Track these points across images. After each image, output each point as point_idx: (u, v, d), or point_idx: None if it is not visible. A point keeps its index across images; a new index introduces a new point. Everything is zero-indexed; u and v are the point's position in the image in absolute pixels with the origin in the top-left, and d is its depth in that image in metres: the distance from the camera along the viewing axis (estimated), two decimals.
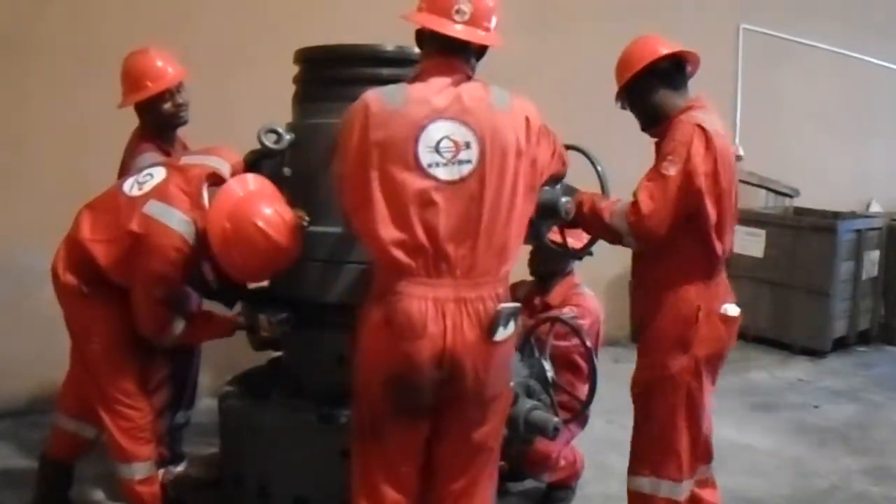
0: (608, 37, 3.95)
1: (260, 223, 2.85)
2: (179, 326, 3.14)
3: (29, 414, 4.71)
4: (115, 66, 3.63)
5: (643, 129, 3.16)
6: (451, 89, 2.45)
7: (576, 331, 3.08)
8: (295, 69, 3.43)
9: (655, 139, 3.06)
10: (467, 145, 2.40)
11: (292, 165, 3.15)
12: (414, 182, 2.37)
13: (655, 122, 3.06)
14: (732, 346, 3.16)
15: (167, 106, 3.65)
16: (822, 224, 7.03)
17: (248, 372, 3.59)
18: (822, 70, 8.64)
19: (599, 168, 3.05)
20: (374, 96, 2.45)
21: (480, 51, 2.59)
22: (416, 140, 2.38)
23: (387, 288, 2.41)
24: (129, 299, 3.06)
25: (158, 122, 3.71)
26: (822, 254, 6.94)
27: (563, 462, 3.74)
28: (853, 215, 7.55)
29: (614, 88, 3.08)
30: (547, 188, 2.80)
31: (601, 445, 4.31)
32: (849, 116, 9.05)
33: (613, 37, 3.37)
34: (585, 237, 3.23)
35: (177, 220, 2.97)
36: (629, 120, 3.13)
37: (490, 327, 2.40)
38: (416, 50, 3.09)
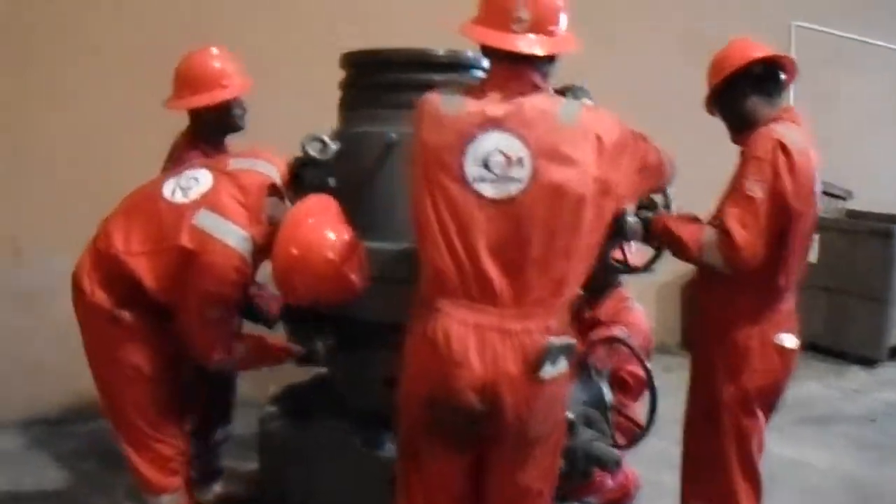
0: (656, 36, 3.79)
1: (330, 254, 2.61)
2: (238, 352, 2.92)
3: (63, 423, 4.63)
4: (125, 67, 3.50)
5: (733, 138, 2.99)
6: (511, 100, 2.24)
7: (636, 354, 2.91)
8: (333, 73, 3.29)
9: (742, 148, 2.88)
10: (519, 162, 2.18)
11: (339, 176, 2.97)
12: (457, 195, 2.19)
13: (744, 130, 2.88)
14: (789, 378, 2.97)
15: (238, 110, 3.51)
16: (878, 228, 6.78)
17: (289, 389, 3.45)
18: (876, 67, 8.42)
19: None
20: (432, 98, 2.30)
21: (552, 56, 2.35)
22: (464, 151, 2.19)
23: (429, 302, 2.25)
24: (166, 322, 2.83)
25: (218, 127, 3.55)
26: (879, 259, 6.69)
27: (610, 483, 3.57)
28: None
29: (660, 90, 2.93)
30: None
31: (653, 463, 4.11)
32: None
33: (661, 36, 3.21)
34: (646, 253, 3.05)
35: (235, 237, 2.73)
36: (672, 122, 2.95)
37: (535, 363, 2.17)
38: (469, 54, 2.98)
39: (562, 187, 2.16)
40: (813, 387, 6.17)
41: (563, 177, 2.16)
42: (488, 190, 2.17)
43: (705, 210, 2.89)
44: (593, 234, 2.27)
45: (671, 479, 3.52)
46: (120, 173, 3.34)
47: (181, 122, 3.59)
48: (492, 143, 2.19)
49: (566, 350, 2.23)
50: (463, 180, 2.18)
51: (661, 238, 2.83)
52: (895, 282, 6.74)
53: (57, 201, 4.55)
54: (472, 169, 2.18)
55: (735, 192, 2.71)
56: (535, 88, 2.29)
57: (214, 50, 3.51)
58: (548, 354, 2.17)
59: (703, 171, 3.51)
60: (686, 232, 2.75)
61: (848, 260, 6.81)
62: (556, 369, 2.21)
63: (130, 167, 3.35)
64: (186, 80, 3.44)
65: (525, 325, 2.18)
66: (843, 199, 7.77)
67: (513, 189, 2.17)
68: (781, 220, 2.70)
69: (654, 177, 2.52)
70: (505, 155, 2.17)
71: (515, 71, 2.29)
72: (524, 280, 2.18)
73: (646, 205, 2.87)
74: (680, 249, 2.78)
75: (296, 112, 3.83)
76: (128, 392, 2.87)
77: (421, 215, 2.23)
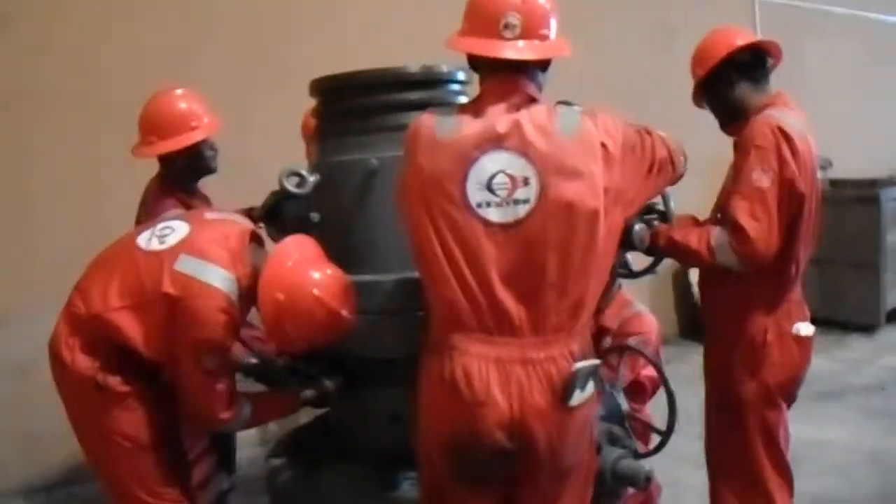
0: (619, 24, 3.71)
1: (316, 291, 2.47)
2: (247, 409, 2.72)
3: (62, 485, 4.51)
4: (121, 111, 3.41)
5: (722, 128, 2.94)
6: (510, 115, 2.10)
7: (651, 361, 2.81)
8: (306, 99, 3.17)
9: (733, 138, 2.81)
10: (525, 182, 2.04)
11: (321, 209, 2.84)
12: (462, 224, 2.06)
13: (735, 119, 2.82)
14: (808, 366, 2.90)
15: (209, 152, 3.41)
16: (864, 194, 6.76)
17: (292, 436, 3.30)
18: (840, 35, 8.45)
19: None
20: (425, 121, 2.16)
21: (545, 62, 2.24)
22: (465, 175, 2.06)
23: (443, 340, 2.11)
24: (157, 386, 2.66)
25: (191, 171, 3.44)
26: (866, 225, 6.71)
27: (630, 490, 3.47)
28: (893, 182, 7.25)
29: (633, 82, 2.85)
30: None
31: (670, 460, 4.02)
32: (870, 79, 8.85)
33: (625, 24, 3.13)
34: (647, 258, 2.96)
35: (219, 278, 2.55)
36: (653, 116, 2.86)
37: (564, 392, 2.05)
38: (444, 69, 2.86)
39: (573, 203, 2.03)
40: (818, 361, 6.00)
41: (573, 192, 2.04)
42: (495, 215, 2.05)
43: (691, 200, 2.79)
44: (608, 249, 2.15)
45: (688, 477, 3.46)
46: (103, 231, 3.21)
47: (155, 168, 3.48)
48: (494, 164, 2.06)
49: (593, 373, 2.12)
50: (467, 207, 2.06)
51: (666, 251, 2.72)
52: (885, 246, 6.76)
53: (42, 264, 4.46)
54: (475, 194, 2.06)
55: (740, 184, 2.60)
56: (531, 100, 2.16)
57: (179, 91, 3.40)
58: (576, 381, 2.05)
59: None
60: (693, 239, 2.63)
61: (836, 229, 6.72)
62: (584, 395, 2.10)
63: (114, 226, 3.20)
64: (153, 125, 3.32)
65: (548, 353, 2.06)
66: (824, 168, 7.74)
67: (521, 211, 2.05)
68: (792, 207, 2.62)
69: (667, 172, 2.35)
70: (509, 176, 2.05)
71: (509, 82, 2.16)
72: (542, 306, 2.06)
73: (647, 214, 2.75)
74: (691, 258, 2.68)
75: (270, 144, 3.73)
76: (123, 464, 2.67)
77: (425, 248, 2.10)
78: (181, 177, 3.42)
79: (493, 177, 2.05)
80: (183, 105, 3.35)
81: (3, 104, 4.44)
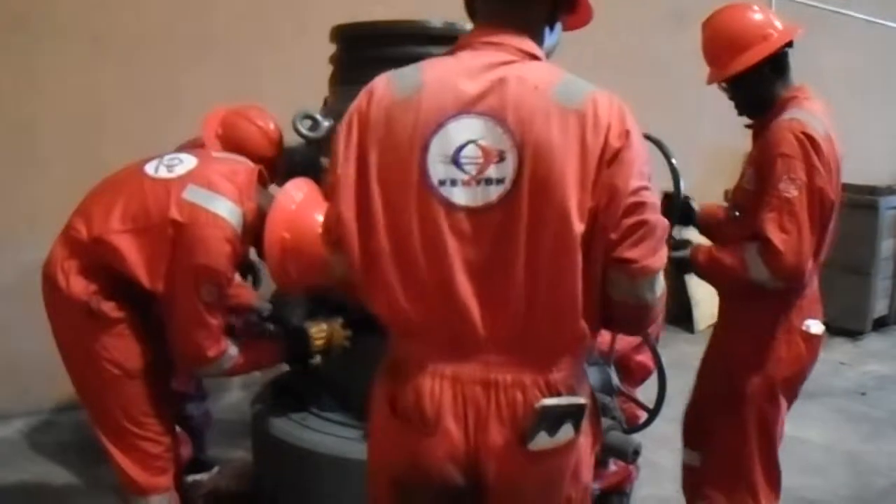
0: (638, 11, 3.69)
1: (320, 231, 2.48)
2: (233, 350, 2.69)
3: (42, 413, 4.53)
4: (130, 46, 3.38)
5: (742, 114, 2.84)
6: (493, 70, 1.62)
7: (646, 339, 2.82)
8: (323, 47, 3.15)
9: (752, 129, 2.77)
10: (500, 156, 1.58)
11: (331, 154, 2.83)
12: (419, 206, 1.61)
13: (761, 111, 2.74)
14: (814, 364, 2.85)
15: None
16: (861, 200, 6.75)
17: (280, 381, 3.30)
18: (855, 39, 8.40)
19: (674, 162, 2.73)
20: (383, 80, 1.71)
21: (551, 14, 1.75)
22: (426, 145, 1.61)
23: (394, 355, 1.74)
24: (150, 316, 2.65)
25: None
26: (863, 231, 6.68)
27: (612, 468, 3.49)
28: (892, 191, 7.25)
29: (645, 66, 2.80)
30: None
31: (649, 442, 4.04)
32: (880, 85, 8.84)
33: (643, 11, 3.11)
34: None
35: (226, 209, 2.53)
36: (661, 96, 2.83)
37: (526, 430, 1.62)
38: (467, 26, 2.83)
39: (556, 190, 1.56)
40: None
41: (557, 176, 1.56)
42: (461, 196, 1.60)
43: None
44: (596, 250, 1.61)
45: (668, 460, 3.47)
46: (99, 163, 3.18)
47: (166, 113, 3.47)
48: (464, 132, 1.61)
49: (571, 413, 1.66)
50: (426, 185, 1.61)
51: (705, 272, 2.69)
52: (879, 254, 6.78)
53: (36, 191, 4.43)
54: (437, 168, 1.61)
55: (768, 195, 2.50)
56: (527, 56, 1.68)
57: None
58: (541, 420, 1.61)
59: (692, 139, 3.44)
60: (728, 257, 2.60)
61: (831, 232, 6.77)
62: (555, 440, 1.65)
63: (111, 158, 3.16)
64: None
65: (517, 377, 1.63)
66: None
67: (493, 193, 1.60)
68: (823, 216, 2.53)
69: (644, 255, 1.61)
70: (482, 147, 1.60)
71: (502, 28, 1.69)
72: (512, 314, 1.62)
73: (679, 242, 2.72)
74: (728, 276, 2.62)
75: (286, 88, 3.70)
76: (109, 391, 2.66)
77: (370, 235, 1.66)
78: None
79: (461, 148, 1.60)
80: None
81: (10, 29, 4.39)
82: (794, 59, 2.77)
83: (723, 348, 2.86)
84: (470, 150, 1.60)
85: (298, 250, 2.52)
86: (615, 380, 2.80)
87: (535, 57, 1.69)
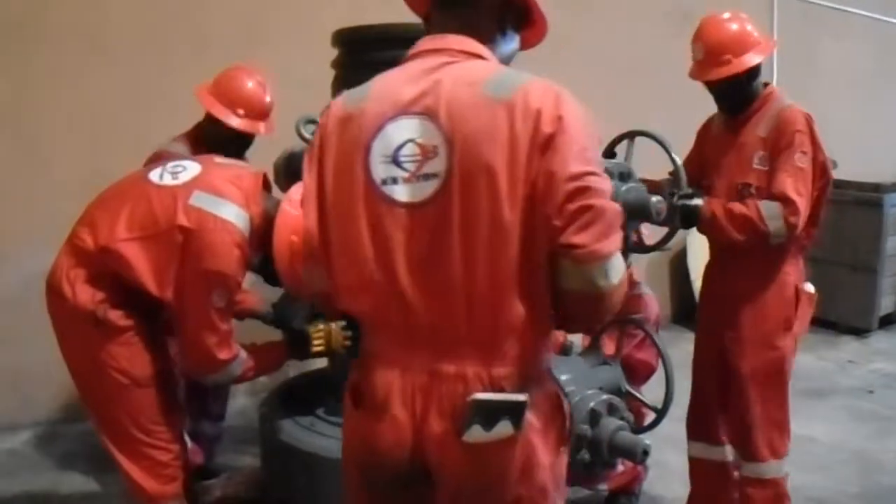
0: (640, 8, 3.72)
1: None
2: (243, 354, 2.69)
3: (48, 424, 4.51)
4: (126, 50, 3.38)
5: (726, 110, 3.21)
6: (433, 73, 1.70)
7: (651, 336, 2.81)
8: (322, 49, 3.15)
9: (736, 122, 3.14)
10: (434, 151, 1.65)
11: None
12: (366, 206, 1.70)
13: (744, 108, 3.13)
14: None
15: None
16: (867, 198, 6.74)
17: (288, 385, 3.30)
18: (857, 36, 8.37)
19: (676, 159, 2.72)
20: (339, 99, 1.83)
21: (500, 16, 1.81)
22: (368, 147, 1.70)
23: (361, 345, 1.81)
24: (157, 324, 2.66)
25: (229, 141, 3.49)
26: (868, 228, 6.69)
27: (620, 468, 3.47)
28: None
29: (646, 63, 2.88)
30: (633, 185, 2.47)
31: (657, 442, 4.06)
32: (882, 84, 8.79)
33: (646, 8, 3.16)
34: (658, 233, 2.94)
35: (234, 214, 2.54)
36: (665, 94, 2.91)
37: (460, 421, 1.65)
38: None
39: (484, 180, 1.61)
40: (807, 359, 6.09)
41: (484, 166, 1.60)
42: (402, 193, 1.68)
43: None
44: (529, 240, 1.63)
45: (676, 460, 3.46)
46: (101, 169, 3.18)
47: (164, 116, 3.47)
48: (402, 131, 1.69)
49: (508, 410, 1.67)
50: (370, 185, 1.70)
51: (718, 221, 2.96)
52: (884, 251, 6.75)
53: (39, 200, 4.43)
54: (379, 168, 1.69)
55: (784, 163, 2.92)
56: (470, 56, 1.75)
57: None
58: (474, 413, 1.64)
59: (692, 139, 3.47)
60: (745, 208, 2.93)
61: (836, 230, 6.72)
62: (491, 434, 1.66)
63: (112, 165, 3.17)
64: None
65: (460, 369, 1.67)
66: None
67: (429, 188, 1.65)
68: (821, 186, 3.04)
69: (592, 240, 1.60)
70: (420, 145, 1.67)
71: (447, 33, 1.77)
72: (453, 305, 1.66)
73: (688, 193, 2.93)
74: (740, 226, 2.93)
75: (284, 91, 3.70)
76: (117, 400, 2.66)
77: (330, 245, 1.79)
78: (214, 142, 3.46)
79: (400, 147, 1.68)
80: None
81: (6, 35, 4.39)
82: (798, 56, 2.99)
83: (755, 317, 3.12)
84: (408, 149, 1.68)
85: None
86: (623, 380, 2.79)
87: (478, 56, 1.75)
